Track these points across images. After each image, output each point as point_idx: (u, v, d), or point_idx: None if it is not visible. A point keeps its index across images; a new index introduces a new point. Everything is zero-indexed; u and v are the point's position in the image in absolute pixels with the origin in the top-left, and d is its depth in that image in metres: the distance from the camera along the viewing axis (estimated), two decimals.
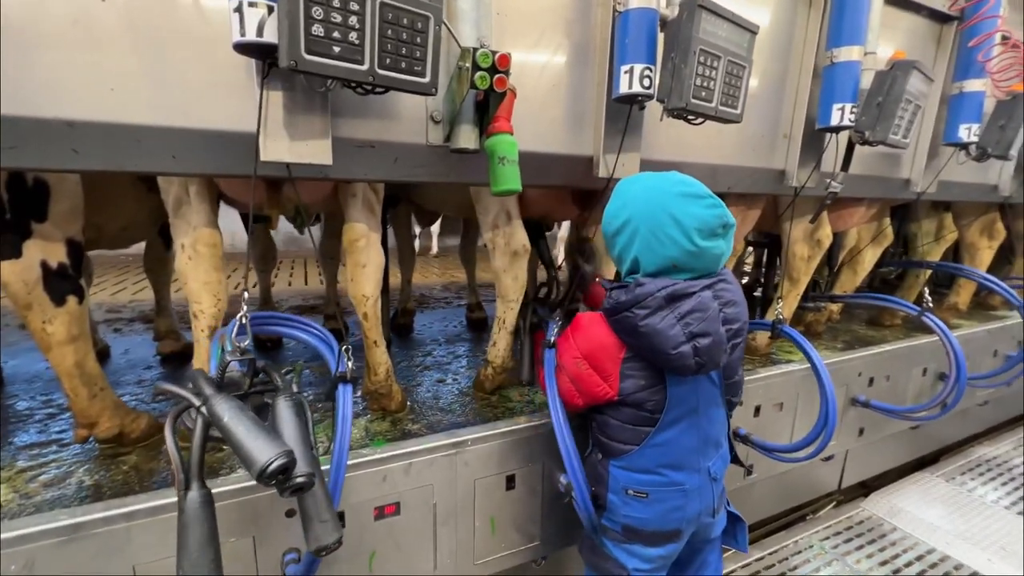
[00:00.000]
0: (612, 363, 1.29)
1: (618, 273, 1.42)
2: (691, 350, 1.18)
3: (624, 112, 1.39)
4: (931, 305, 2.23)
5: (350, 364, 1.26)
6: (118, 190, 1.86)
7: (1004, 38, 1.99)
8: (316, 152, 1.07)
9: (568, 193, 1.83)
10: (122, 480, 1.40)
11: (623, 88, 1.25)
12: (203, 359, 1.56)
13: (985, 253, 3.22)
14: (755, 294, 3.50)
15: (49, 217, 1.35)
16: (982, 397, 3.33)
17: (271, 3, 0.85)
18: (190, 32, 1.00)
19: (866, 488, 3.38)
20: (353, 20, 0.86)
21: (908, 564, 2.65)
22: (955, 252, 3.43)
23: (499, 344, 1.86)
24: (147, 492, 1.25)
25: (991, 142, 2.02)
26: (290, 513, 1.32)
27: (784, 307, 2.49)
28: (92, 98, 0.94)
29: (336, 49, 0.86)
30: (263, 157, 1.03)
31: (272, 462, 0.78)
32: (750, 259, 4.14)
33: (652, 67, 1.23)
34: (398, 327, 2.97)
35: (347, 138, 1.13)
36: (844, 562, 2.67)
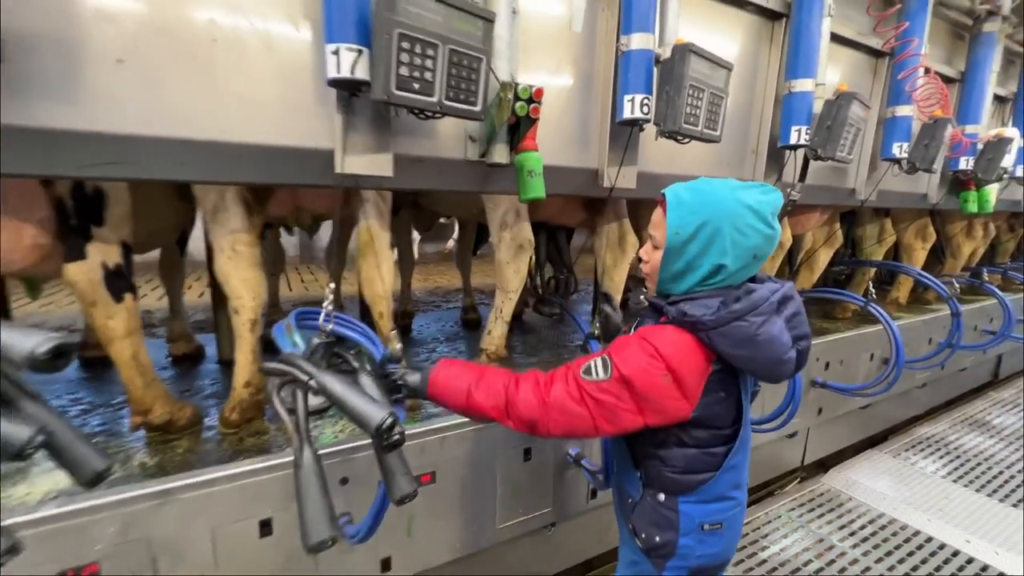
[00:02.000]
0: (699, 379, 1.16)
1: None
2: (795, 355, 1.14)
3: (623, 132, 1.66)
4: (875, 297, 2.60)
5: (398, 346, 1.45)
6: (153, 198, 1.98)
7: (926, 71, 2.38)
8: (380, 166, 1.28)
9: (579, 201, 2.08)
10: (181, 460, 1.54)
11: (626, 113, 1.51)
12: (246, 349, 1.72)
13: (920, 253, 3.68)
14: None
15: (106, 222, 1.49)
16: (920, 380, 3.77)
17: (362, 47, 1.07)
18: (280, 69, 1.20)
19: (825, 466, 3.75)
20: (429, 63, 1.08)
21: (862, 527, 3.01)
22: (895, 253, 3.90)
23: (494, 332, 2.06)
24: (220, 464, 1.41)
25: (918, 158, 2.41)
26: (344, 481, 1.50)
27: None
28: (204, 121, 1.13)
29: (416, 86, 1.08)
30: (338, 170, 1.23)
31: (385, 420, 0.98)
32: None
33: (650, 96, 1.50)
34: (398, 329, 3.16)
35: (403, 154, 1.34)
36: (808, 528, 3.00)
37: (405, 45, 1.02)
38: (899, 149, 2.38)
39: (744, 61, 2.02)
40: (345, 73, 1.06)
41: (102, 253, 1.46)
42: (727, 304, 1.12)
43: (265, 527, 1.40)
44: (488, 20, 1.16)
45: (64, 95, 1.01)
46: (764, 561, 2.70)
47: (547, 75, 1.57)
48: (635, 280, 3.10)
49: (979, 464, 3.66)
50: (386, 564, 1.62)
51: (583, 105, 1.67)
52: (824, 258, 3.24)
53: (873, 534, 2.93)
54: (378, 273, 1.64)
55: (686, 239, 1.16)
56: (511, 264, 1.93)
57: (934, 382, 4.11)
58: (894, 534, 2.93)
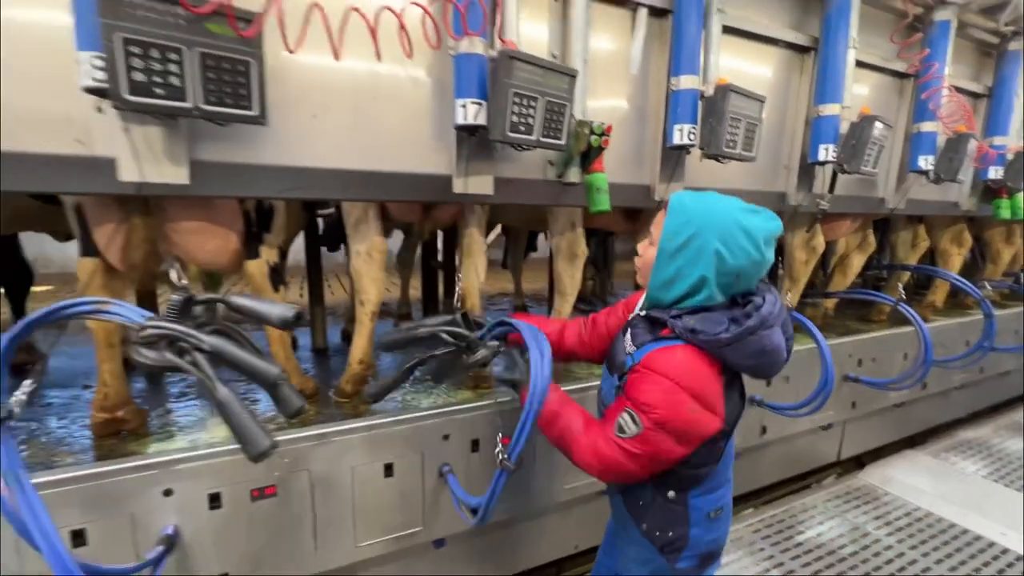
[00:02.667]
0: (719, 393, 1.21)
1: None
2: (787, 355, 1.23)
3: (672, 155, 2.00)
4: (904, 296, 2.80)
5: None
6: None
7: (951, 89, 2.60)
8: (484, 186, 1.67)
9: (622, 211, 2.41)
10: (315, 418, 1.94)
11: (676, 140, 1.85)
12: (364, 334, 2.12)
13: (955, 259, 3.82)
14: None
15: (272, 230, 1.93)
16: (958, 381, 3.88)
17: (481, 101, 1.46)
18: (412, 116, 1.61)
19: (862, 464, 3.89)
20: (531, 111, 1.46)
21: (898, 519, 3.16)
22: (932, 259, 4.03)
23: None
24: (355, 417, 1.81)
25: (943, 170, 2.63)
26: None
27: (785, 302, 3.07)
28: (363, 156, 1.54)
29: (522, 128, 1.46)
30: (456, 190, 1.62)
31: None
32: None
33: (696, 126, 1.83)
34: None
35: (500, 177, 1.72)
36: (844, 518, 3.17)
37: (516, 99, 1.40)
38: (925, 162, 2.61)
39: (777, 89, 2.32)
40: (470, 120, 1.45)
41: (268, 254, 1.90)
42: (739, 321, 1.16)
43: (388, 469, 1.78)
44: (572, 76, 1.53)
45: (278, 141, 1.43)
46: (800, 544, 2.90)
47: (610, 109, 1.92)
48: None
49: (1021, 467, 3.72)
50: None
51: (638, 132, 2.01)
52: (858, 263, 3.44)
53: (908, 525, 3.07)
54: (475, 270, 2.03)
55: (676, 247, 1.21)
56: (567, 270, 2.28)
57: (975, 386, 4.17)
58: (929, 526, 3.06)
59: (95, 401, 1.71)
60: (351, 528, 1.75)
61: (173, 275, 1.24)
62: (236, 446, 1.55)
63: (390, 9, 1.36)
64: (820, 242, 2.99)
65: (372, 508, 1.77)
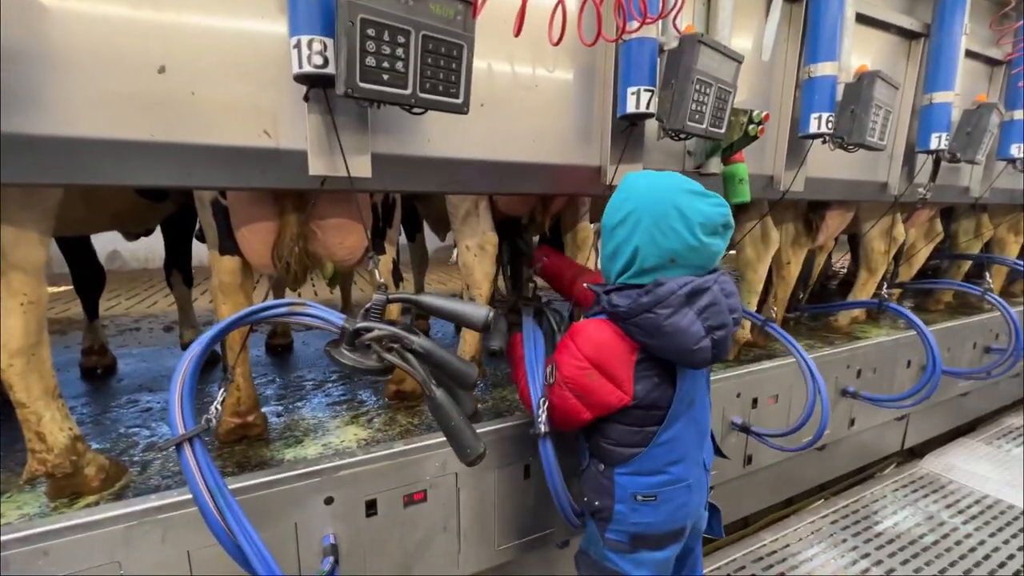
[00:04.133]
0: (625, 368, 1.25)
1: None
2: (710, 343, 1.20)
3: (799, 143, 1.94)
4: (991, 286, 2.80)
5: None
6: None
7: None
8: None
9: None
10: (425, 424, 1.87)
11: (812, 128, 1.80)
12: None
13: (1013, 246, 3.82)
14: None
15: (392, 225, 1.85)
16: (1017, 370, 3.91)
17: (652, 88, 1.39)
18: (566, 104, 1.54)
19: (914, 453, 3.91)
20: (705, 99, 1.40)
21: (969, 507, 3.18)
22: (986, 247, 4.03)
23: None
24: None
25: None
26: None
27: (863, 293, 3.05)
28: (508, 149, 1.47)
29: (697, 117, 1.40)
30: (607, 182, 1.56)
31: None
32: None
33: (832, 114, 1.78)
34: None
35: (648, 167, 1.66)
36: (916, 507, 3.19)
37: (697, 87, 1.34)
38: (1017, 149, 2.59)
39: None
40: (641, 108, 1.39)
41: (391, 249, 1.83)
42: (638, 297, 1.20)
43: (527, 471, 1.73)
44: (739, 62, 1.47)
45: (439, 133, 1.36)
46: (880, 534, 2.91)
47: (548, 67, 1.54)
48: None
49: None
50: None
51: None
52: (925, 253, 3.43)
53: (981, 512, 3.10)
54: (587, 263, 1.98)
55: (615, 223, 1.25)
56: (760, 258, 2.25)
57: (1016, 376, 4.22)
58: (1002, 512, 3.09)
59: (227, 405, 1.63)
60: (493, 530, 1.70)
61: (376, 273, 1.17)
62: (389, 451, 1.52)
63: None
64: (900, 231, 2.97)
65: (511, 510, 1.73)
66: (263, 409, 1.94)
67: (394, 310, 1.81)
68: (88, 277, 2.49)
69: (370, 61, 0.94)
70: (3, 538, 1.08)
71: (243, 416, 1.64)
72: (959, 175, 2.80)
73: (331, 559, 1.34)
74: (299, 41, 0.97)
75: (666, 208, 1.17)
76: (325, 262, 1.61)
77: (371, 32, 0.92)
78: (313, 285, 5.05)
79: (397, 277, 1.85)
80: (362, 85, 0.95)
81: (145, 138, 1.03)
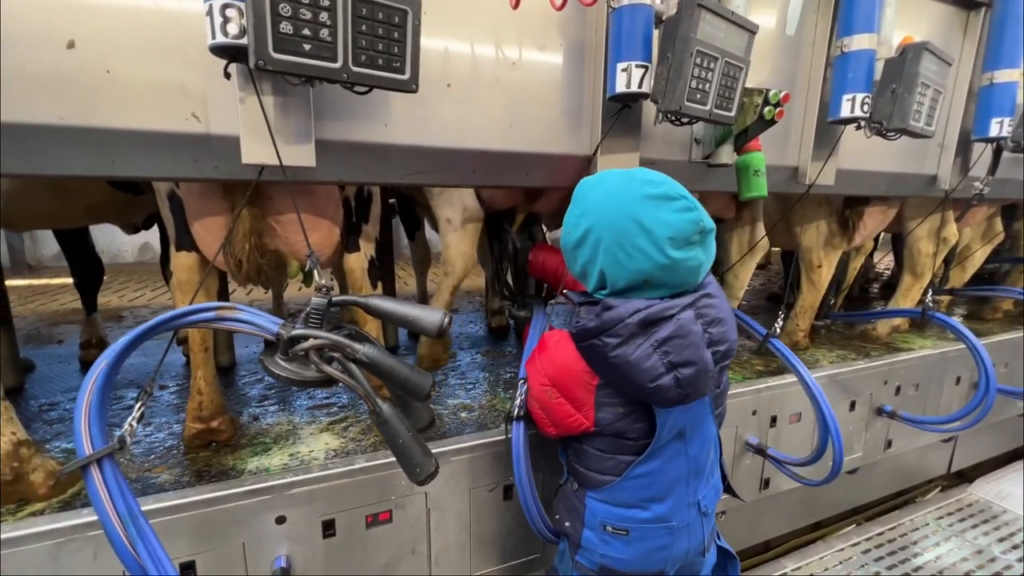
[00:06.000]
0: (584, 391, 1.11)
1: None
2: (672, 381, 1.02)
3: (828, 130, 1.70)
4: None
5: None
6: None
7: None
8: (630, 164, 1.41)
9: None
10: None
11: (844, 112, 1.55)
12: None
13: None
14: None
15: (369, 220, 1.72)
16: None
17: (647, 64, 1.19)
18: (552, 84, 1.36)
19: (962, 478, 3.54)
20: (708, 77, 1.19)
21: None
22: None
23: None
24: None
25: None
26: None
27: (906, 299, 2.73)
28: (482, 132, 1.31)
29: (698, 97, 1.19)
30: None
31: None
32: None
33: (869, 95, 1.53)
34: None
35: (645, 157, 1.47)
36: (963, 538, 2.86)
37: (698, 61, 1.14)
38: None
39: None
40: (633, 88, 1.19)
41: (366, 247, 1.70)
42: (587, 321, 1.05)
43: (507, 492, 1.58)
44: (753, 33, 1.25)
45: (406, 117, 1.21)
46: (919, 568, 2.61)
47: (536, 43, 1.36)
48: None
49: None
50: None
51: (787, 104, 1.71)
52: (981, 255, 3.06)
53: None
54: None
55: (574, 244, 1.09)
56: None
57: None
58: None
59: (189, 410, 1.55)
60: (467, 555, 1.56)
61: (316, 274, 1.04)
62: (349, 467, 1.40)
63: None
64: (952, 231, 2.64)
65: (490, 533, 1.58)
66: (249, 410, 1.86)
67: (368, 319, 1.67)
68: (86, 271, 2.49)
69: (285, 27, 0.80)
70: None
71: (206, 421, 1.55)
72: (1016, 168, 2.45)
73: None
74: (211, 7, 0.83)
75: (625, 223, 1.00)
76: (289, 260, 1.49)
77: None
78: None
79: (375, 277, 1.72)
80: (276, 56, 0.81)
81: (54, 121, 0.93)
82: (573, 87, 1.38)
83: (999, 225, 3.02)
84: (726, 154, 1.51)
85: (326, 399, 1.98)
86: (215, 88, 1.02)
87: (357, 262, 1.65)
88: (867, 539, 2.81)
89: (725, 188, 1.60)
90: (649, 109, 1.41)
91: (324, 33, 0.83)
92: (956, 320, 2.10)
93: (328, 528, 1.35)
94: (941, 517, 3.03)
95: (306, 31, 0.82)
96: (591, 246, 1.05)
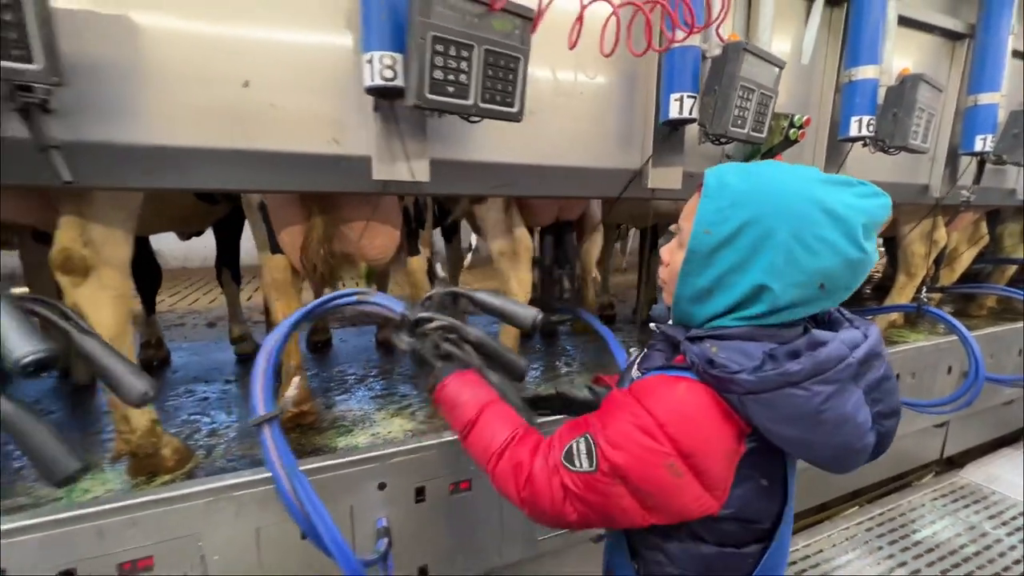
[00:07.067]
0: (726, 464, 0.82)
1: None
2: (875, 439, 0.82)
3: (840, 147, 1.95)
4: None
5: None
6: None
7: None
8: (674, 180, 1.65)
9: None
10: None
11: (852, 131, 1.81)
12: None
13: None
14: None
15: (424, 226, 1.94)
16: None
17: (695, 94, 1.43)
18: (610, 109, 1.59)
19: (953, 464, 3.81)
20: (748, 104, 1.43)
21: (1014, 518, 3.08)
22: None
23: None
24: None
25: None
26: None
27: (900, 297, 3.00)
28: (551, 150, 1.53)
29: (739, 122, 1.43)
30: (649, 185, 1.61)
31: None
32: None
33: (873, 118, 1.78)
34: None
35: (686, 171, 1.70)
36: (956, 516, 3.11)
37: (741, 92, 1.38)
38: None
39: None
40: (684, 114, 1.43)
41: (424, 251, 1.92)
42: (778, 359, 0.77)
43: None
44: (781, 68, 1.50)
45: (492, 141, 1.43)
46: (919, 543, 2.85)
47: (592, 72, 1.57)
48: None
49: None
50: None
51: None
52: (968, 257, 3.35)
53: None
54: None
55: (719, 242, 0.82)
56: None
57: None
58: None
59: (283, 396, 1.74)
60: (534, 524, 1.75)
61: (438, 268, 1.25)
62: (439, 440, 1.59)
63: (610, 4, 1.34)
64: (942, 234, 2.91)
65: None
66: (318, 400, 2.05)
67: None
68: (147, 274, 2.66)
69: (438, 74, 1.02)
70: (100, 508, 1.20)
71: (298, 406, 1.74)
72: (1005, 177, 2.73)
73: (385, 540, 1.42)
74: (372, 57, 1.05)
75: (809, 209, 0.77)
76: (359, 262, 1.70)
77: (440, 48, 1.00)
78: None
79: (432, 277, 1.94)
80: (430, 96, 1.03)
81: (227, 146, 1.14)
82: (625, 112, 1.61)
83: (984, 229, 3.31)
84: None
85: (384, 391, 2.18)
86: (349, 118, 1.23)
87: (419, 264, 1.87)
88: (869, 518, 3.05)
89: None
90: (691, 128, 1.65)
91: (463, 78, 1.05)
92: (947, 313, 2.36)
93: (419, 494, 1.55)
94: (936, 498, 3.28)
95: (451, 76, 1.04)
96: (750, 245, 0.80)
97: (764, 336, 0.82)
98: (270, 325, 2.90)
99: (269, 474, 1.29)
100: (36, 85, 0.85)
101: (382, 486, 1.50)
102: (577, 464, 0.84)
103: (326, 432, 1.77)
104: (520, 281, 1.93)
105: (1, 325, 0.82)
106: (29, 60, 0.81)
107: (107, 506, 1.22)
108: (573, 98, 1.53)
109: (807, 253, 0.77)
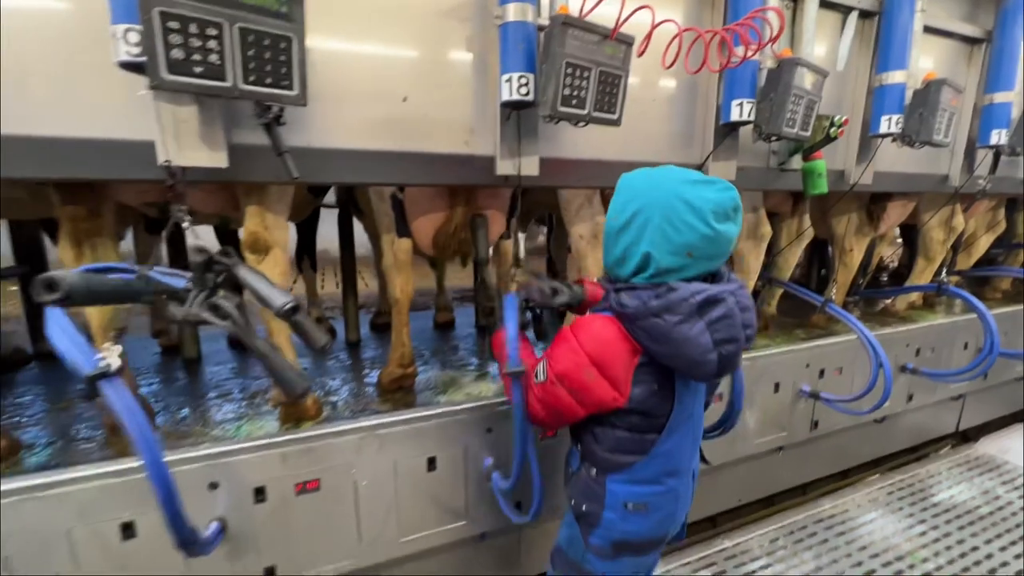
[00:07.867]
0: (626, 369, 1.21)
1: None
2: (716, 357, 1.15)
3: (871, 141, 2.21)
4: None
5: None
6: None
7: None
8: (731, 172, 1.93)
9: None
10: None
11: (883, 129, 2.07)
12: None
13: None
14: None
15: (516, 215, 2.22)
16: None
17: (753, 100, 1.71)
18: (674, 113, 1.87)
19: (967, 439, 4.04)
20: (798, 108, 1.71)
21: None
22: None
23: None
24: None
25: None
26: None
27: (920, 280, 3.25)
28: (607, 149, 1.81)
29: (791, 123, 1.71)
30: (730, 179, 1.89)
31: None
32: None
33: (901, 116, 2.04)
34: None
35: (743, 166, 1.98)
36: (972, 483, 3.36)
37: (794, 100, 1.66)
38: None
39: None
40: (744, 117, 1.71)
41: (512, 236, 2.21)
42: (647, 301, 1.15)
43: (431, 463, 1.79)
44: (825, 76, 1.77)
45: (582, 141, 1.72)
46: (936, 504, 3.11)
47: (655, 84, 1.83)
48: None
49: None
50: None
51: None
52: (985, 243, 3.58)
53: None
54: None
55: (620, 227, 1.20)
56: (753, 252, 2.51)
57: None
58: None
59: (393, 359, 2.05)
60: (395, 522, 1.75)
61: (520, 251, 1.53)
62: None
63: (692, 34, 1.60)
64: (960, 221, 3.15)
65: (415, 502, 1.77)
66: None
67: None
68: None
69: (566, 91, 1.31)
70: (286, 437, 1.51)
71: (406, 367, 2.05)
72: (1019, 167, 2.97)
73: (497, 474, 1.72)
74: (510, 76, 1.34)
75: (674, 203, 1.13)
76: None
77: (569, 71, 1.29)
78: (362, 278, 5.44)
79: (516, 257, 2.23)
80: (560, 109, 1.32)
81: (392, 148, 1.44)
82: (688, 115, 1.89)
83: (1001, 215, 3.54)
84: (796, 162, 2.03)
85: (459, 362, 2.48)
86: (478, 124, 1.53)
87: (509, 247, 2.17)
88: (890, 484, 3.31)
89: (792, 187, 2.11)
90: (743, 129, 1.92)
91: (583, 93, 1.34)
92: (966, 292, 2.62)
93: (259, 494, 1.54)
94: (952, 468, 3.53)
95: (575, 92, 1.33)
96: (637, 228, 1.17)
97: (651, 288, 1.18)
98: (385, 300, 3.10)
99: (401, 416, 1.58)
100: (290, 106, 1.14)
101: (489, 430, 1.80)
102: (538, 378, 1.30)
103: (424, 392, 2.06)
104: (596, 260, 2.22)
105: (253, 284, 1.05)
106: (290, 88, 1.11)
107: (288, 436, 1.53)
108: (647, 104, 1.81)
109: (675, 231, 1.14)
